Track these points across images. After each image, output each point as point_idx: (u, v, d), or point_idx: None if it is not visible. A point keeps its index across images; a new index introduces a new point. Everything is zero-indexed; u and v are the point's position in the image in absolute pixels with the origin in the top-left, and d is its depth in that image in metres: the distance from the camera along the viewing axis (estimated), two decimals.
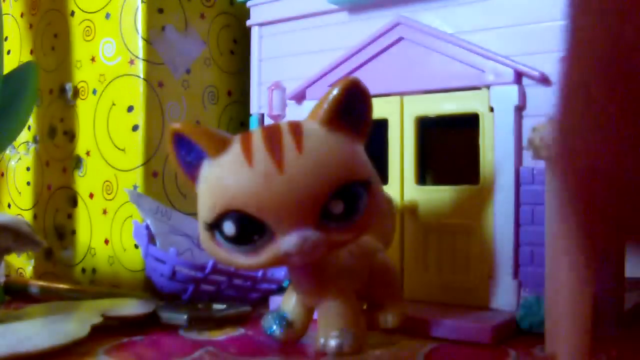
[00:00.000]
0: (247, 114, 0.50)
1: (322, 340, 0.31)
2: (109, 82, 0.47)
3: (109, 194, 0.47)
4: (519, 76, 0.37)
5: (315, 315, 0.33)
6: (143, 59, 0.46)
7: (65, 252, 0.51)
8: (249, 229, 0.28)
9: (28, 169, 0.54)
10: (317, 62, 0.44)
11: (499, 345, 0.33)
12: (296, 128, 0.29)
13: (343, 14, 0.44)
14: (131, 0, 0.46)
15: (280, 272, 0.43)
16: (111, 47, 0.47)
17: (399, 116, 0.40)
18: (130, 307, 0.38)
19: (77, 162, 0.50)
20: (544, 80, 0.36)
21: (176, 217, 0.44)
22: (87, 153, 0.49)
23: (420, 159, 0.41)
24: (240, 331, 0.37)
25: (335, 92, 0.29)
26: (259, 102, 0.48)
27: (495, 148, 0.37)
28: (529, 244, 0.36)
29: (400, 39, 0.41)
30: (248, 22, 0.49)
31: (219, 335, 0.35)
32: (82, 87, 0.50)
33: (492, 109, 0.37)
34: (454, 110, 0.39)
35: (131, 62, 0.46)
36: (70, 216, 0.50)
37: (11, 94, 0.48)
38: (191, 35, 0.49)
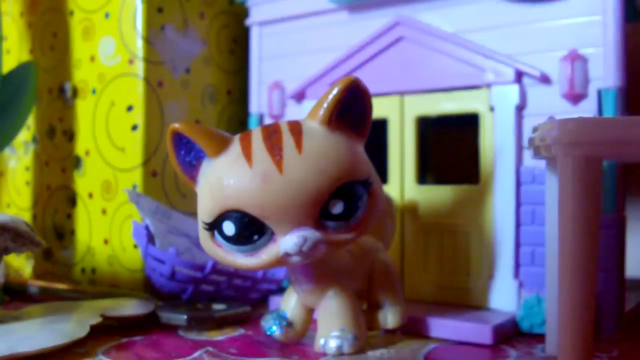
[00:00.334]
0: (247, 114, 0.50)
1: (322, 341, 0.31)
2: (109, 82, 0.47)
3: (108, 194, 0.47)
4: (519, 75, 0.37)
5: (315, 315, 0.33)
6: (142, 59, 0.45)
7: (65, 252, 0.51)
8: (249, 229, 0.28)
9: (27, 168, 0.54)
10: (317, 62, 0.44)
11: (499, 345, 0.33)
12: (296, 128, 0.28)
13: (343, 13, 0.44)
14: None
15: (280, 272, 0.43)
16: (110, 47, 0.47)
17: (399, 116, 0.40)
18: (130, 307, 0.38)
19: (77, 161, 0.50)
20: (545, 79, 0.36)
21: (176, 217, 0.44)
22: (87, 153, 0.49)
23: (421, 158, 0.41)
24: (240, 331, 0.37)
25: (335, 91, 0.29)
26: (259, 102, 0.48)
27: (495, 148, 0.37)
28: (529, 244, 0.36)
29: (400, 39, 0.41)
30: (247, 22, 0.49)
31: (219, 336, 0.35)
32: (82, 86, 0.49)
33: (492, 109, 0.37)
34: (454, 109, 0.39)
35: (130, 61, 0.46)
36: (69, 216, 0.50)
37: (10, 94, 0.48)
38: (191, 34, 0.49)
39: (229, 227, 0.28)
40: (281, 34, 0.47)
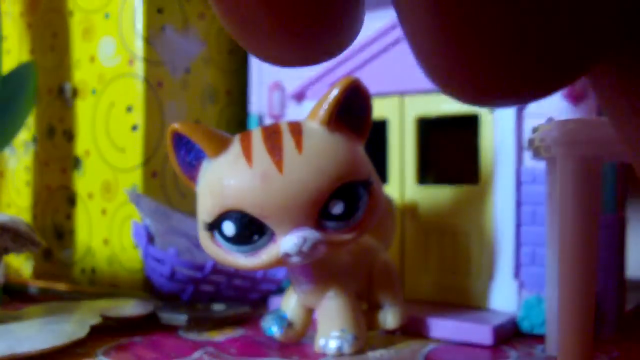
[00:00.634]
0: (247, 114, 0.50)
1: (322, 341, 0.31)
2: (108, 82, 0.47)
3: (108, 194, 0.47)
4: None
5: (315, 315, 0.33)
6: (142, 59, 0.45)
7: (65, 252, 0.51)
8: (249, 229, 0.28)
9: (27, 169, 0.54)
10: None
11: (499, 345, 0.33)
12: (296, 128, 0.28)
13: None
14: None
15: (280, 272, 0.43)
16: (110, 47, 0.47)
17: (399, 116, 0.40)
18: (130, 307, 0.38)
19: (76, 162, 0.50)
20: None
21: (176, 217, 0.44)
22: (86, 153, 0.49)
23: (421, 158, 0.41)
24: (240, 331, 0.37)
25: (335, 92, 0.29)
26: (259, 102, 0.48)
27: (495, 148, 0.37)
28: (529, 244, 0.36)
29: (400, 39, 0.41)
30: None
31: (219, 336, 0.35)
32: (82, 87, 0.49)
33: (492, 109, 0.37)
34: (454, 110, 0.39)
35: (130, 62, 0.46)
36: (69, 216, 0.50)
37: (10, 94, 0.48)
38: (191, 35, 0.49)
39: (229, 227, 0.28)
40: None
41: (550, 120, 0.30)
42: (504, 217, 0.37)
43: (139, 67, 0.45)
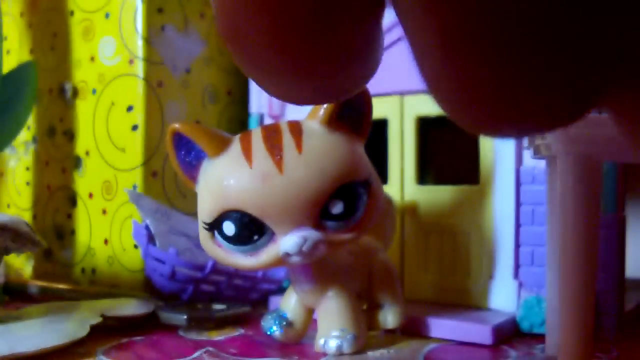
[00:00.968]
0: (247, 114, 0.50)
1: (322, 340, 0.31)
2: (109, 82, 0.47)
3: (108, 194, 0.47)
4: None
5: (315, 315, 0.33)
6: (143, 59, 0.45)
7: (65, 252, 0.51)
8: (249, 229, 0.28)
9: (27, 168, 0.54)
10: None
11: (499, 345, 0.33)
12: (296, 128, 0.28)
13: None
14: None
15: (280, 272, 0.43)
16: (111, 47, 0.47)
17: (399, 116, 0.40)
18: (130, 307, 0.38)
19: (77, 162, 0.50)
20: None
21: (176, 217, 0.44)
22: (87, 153, 0.49)
23: (421, 158, 0.41)
24: (240, 331, 0.37)
25: None
26: (259, 102, 0.48)
27: (495, 148, 0.37)
28: (529, 244, 0.36)
29: (400, 39, 0.41)
30: None
31: (219, 336, 0.35)
32: (82, 86, 0.49)
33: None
34: None
35: (131, 61, 0.46)
36: (69, 216, 0.50)
37: (10, 94, 0.48)
38: (191, 34, 0.49)
39: (229, 227, 0.28)
40: None
41: None
42: (504, 217, 0.37)
43: (139, 67, 0.46)
